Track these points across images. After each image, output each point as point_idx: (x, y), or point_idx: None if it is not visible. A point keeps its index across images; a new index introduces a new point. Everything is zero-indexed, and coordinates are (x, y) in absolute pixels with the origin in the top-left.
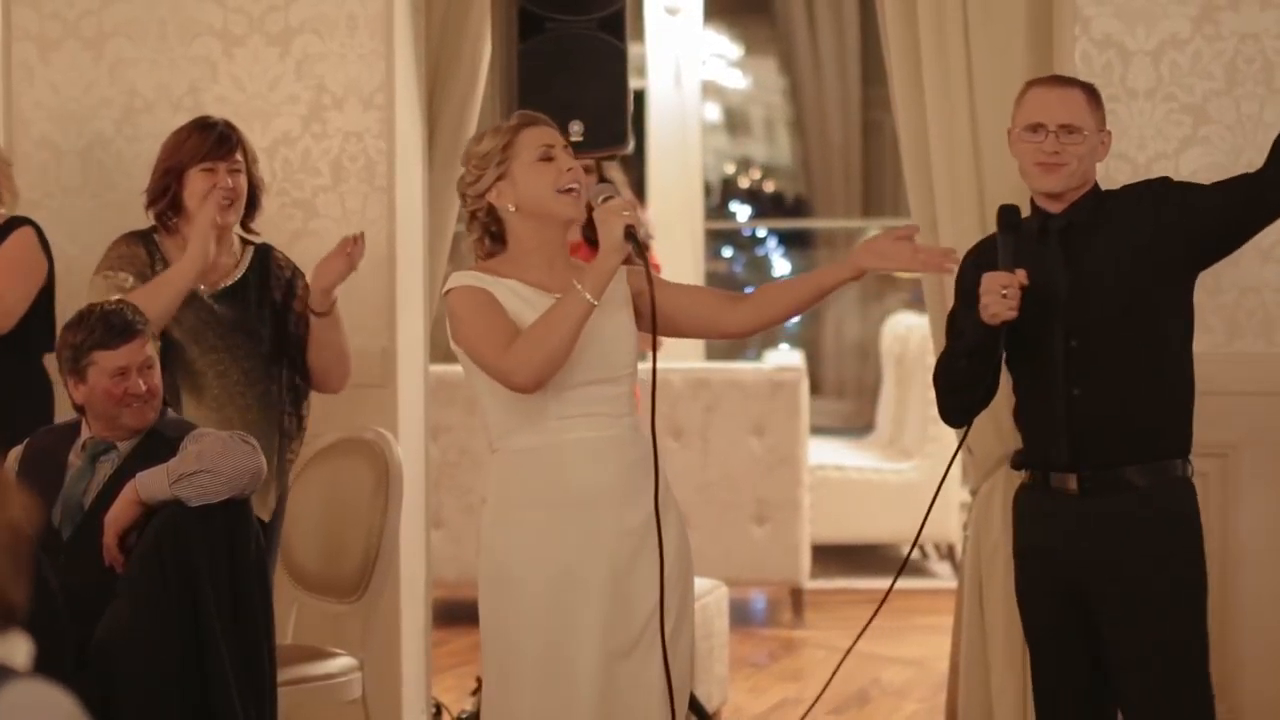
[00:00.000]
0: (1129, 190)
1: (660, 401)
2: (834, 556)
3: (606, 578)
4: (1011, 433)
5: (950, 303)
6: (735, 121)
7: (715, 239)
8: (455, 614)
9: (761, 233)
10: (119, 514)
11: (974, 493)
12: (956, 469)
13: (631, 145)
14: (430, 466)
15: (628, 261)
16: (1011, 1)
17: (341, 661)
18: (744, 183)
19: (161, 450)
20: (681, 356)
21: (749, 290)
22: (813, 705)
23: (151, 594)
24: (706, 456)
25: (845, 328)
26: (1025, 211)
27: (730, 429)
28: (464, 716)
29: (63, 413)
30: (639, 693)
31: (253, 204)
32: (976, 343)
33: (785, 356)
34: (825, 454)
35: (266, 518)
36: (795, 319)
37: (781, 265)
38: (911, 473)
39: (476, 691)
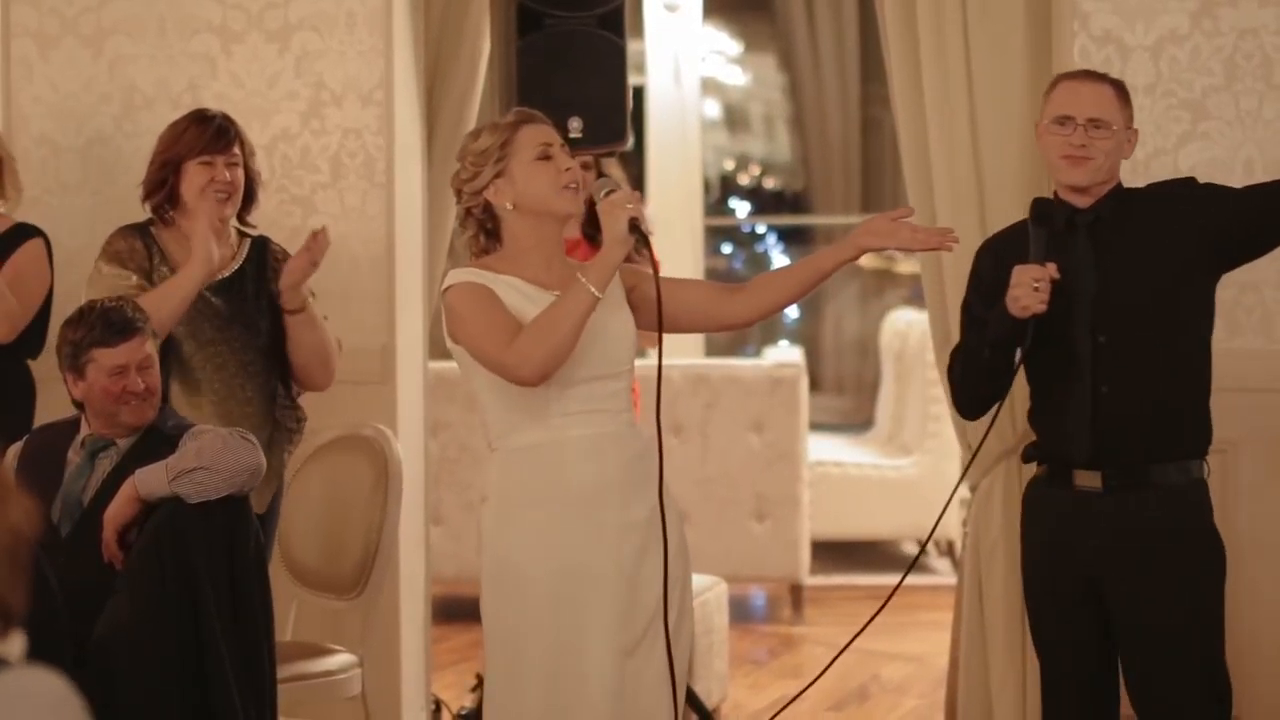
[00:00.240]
0: (1155, 188)
1: (654, 397)
2: (833, 553)
3: (614, 574)
4: (1010, 430)
5: (950, 299)
6: (735, 118)
7: (715, 235)
8: (455, 610)
9: (761, 229)
10: (118, 511)
11: (973, 489)
12: (956, 466)
13: (631, 142)
14: (430, 463)
15: (627, 260)
16: None
17: (341, 658)
18: (743, 179)
19: (161, 447)
20: (681, 353)
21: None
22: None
23: (151, 591)
24: (706, 453)
25: (845, 324)
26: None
27: (730, 425)
28: (463, 713)
29: (43, 416)
30: (643, 688)
31: (250, 197)
32: (1002, 334)
33: (785, 353)
34: (825, 450)
35: (261, 510)
36: (794, 315)
37: (781, 262)
38: (911, 469)
39: (476, 688)
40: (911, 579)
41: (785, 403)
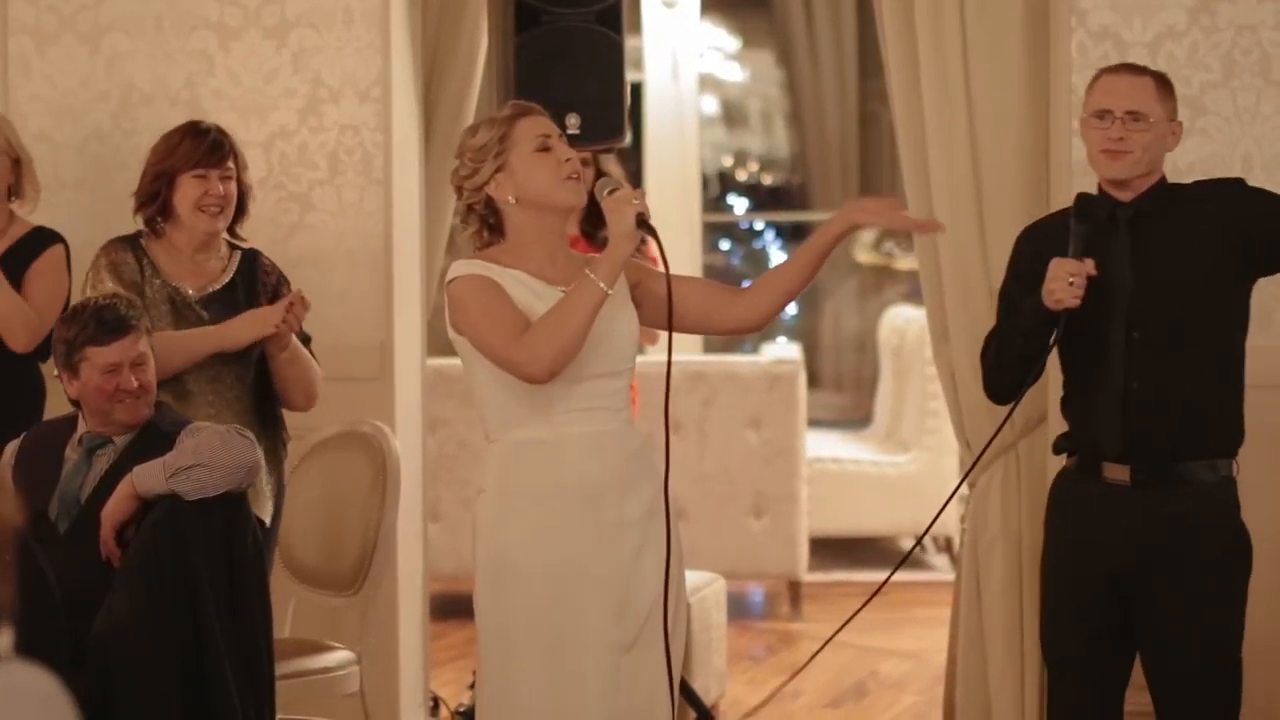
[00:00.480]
0: (1201, 186)
1: (656, 394)
2: (832, 549)
3: (611, 571)
4: (1008, 427)
5: (948, 295)
6: (733, 114)
7: (713, 232)
8: (453, 607)
9: (759, 225)
10: (116, 508)
11: (972, 486)
12: (954, 462)
13: (629, 138)
14: (428, 460)
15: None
16: None
17: (339, 655)
18: (741, 175)
19: (158, 444)
20: (679, 350)
21: (746, 285)
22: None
23: (149, 588)
24: (704, 449)
25: (843, 320)
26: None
27: (728, 422)
28: (462, 710)
29: (54, 415)
30: (641, 685)
31: (241, 210)
32: (1034, 325)
33: (783, 349)
34: (823, 447)
35: (266, 519)
36: (793, 311)
37: (779, 258)
38: (909, 465)
39: (474, 685)
40: (910, 575)
41: (783, 399)
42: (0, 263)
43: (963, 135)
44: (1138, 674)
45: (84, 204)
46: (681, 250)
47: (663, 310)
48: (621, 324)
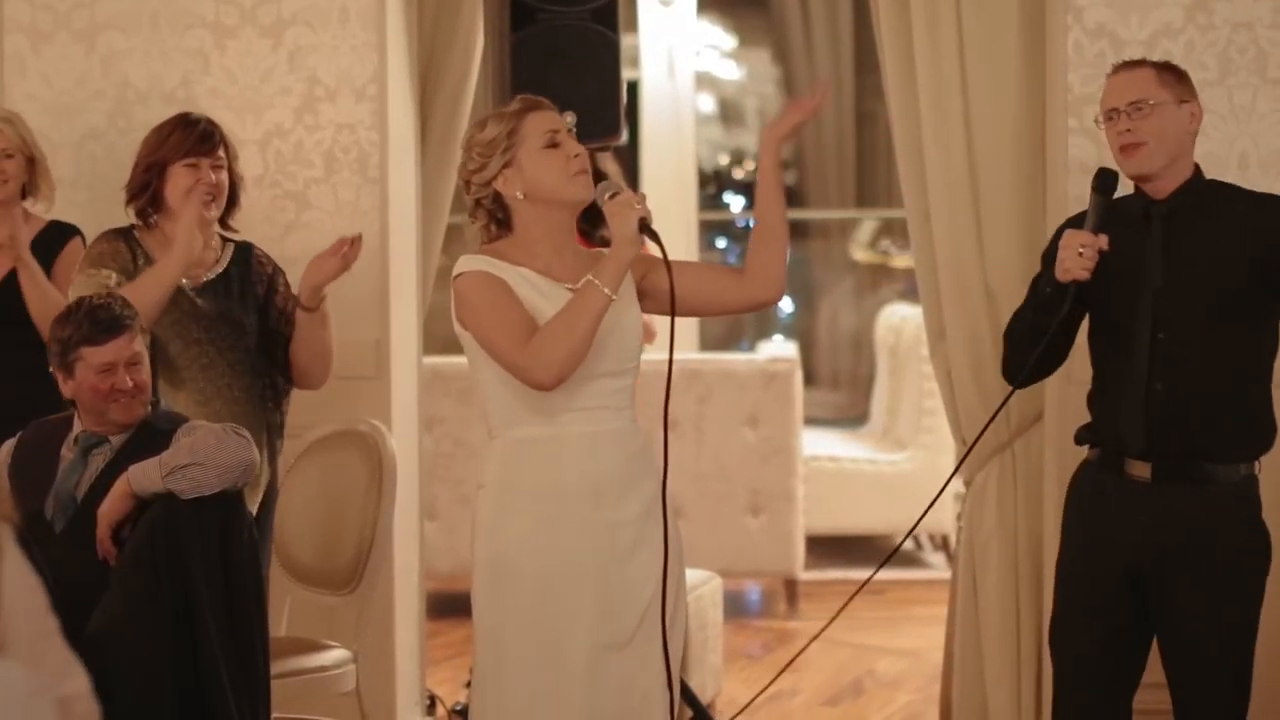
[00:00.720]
0: (1244, 195)
1: (653, 392)
2: (828, 547)
3: (603, 568)
4: (1004, 425)
5: (944, 293)
6: (729, 112)
7: (709, 230)
8: (449, 606)
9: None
10: (112, 507)
11: (968, 484)
12: (950, 461)
13: (625, 136)
14: (424, 458)
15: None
16: None
17: (335, 654)
18: (738, 174)
19: (154, 443)
20: (675, 347)
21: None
22: (781, 671)
23: (144, 586)
24: (700, 448)
25: (839, 319)
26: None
27: (724, 420)
28: (458, 708)
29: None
30: (637, 684)
31: (232, 200)
32: (1045, 298)
33: (779, 347)
34: (819, 445)
35: (254, 510)
36: (789, 309)
37: None
38: (905, 463)
39: (470, 683)
40: (906, 574)
41: (780, 397)
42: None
43: (959, 133)
44: (1149, 674)
45: (80, 202)
46: (678, 248)
47: (683, 293)
48: (626, 323)
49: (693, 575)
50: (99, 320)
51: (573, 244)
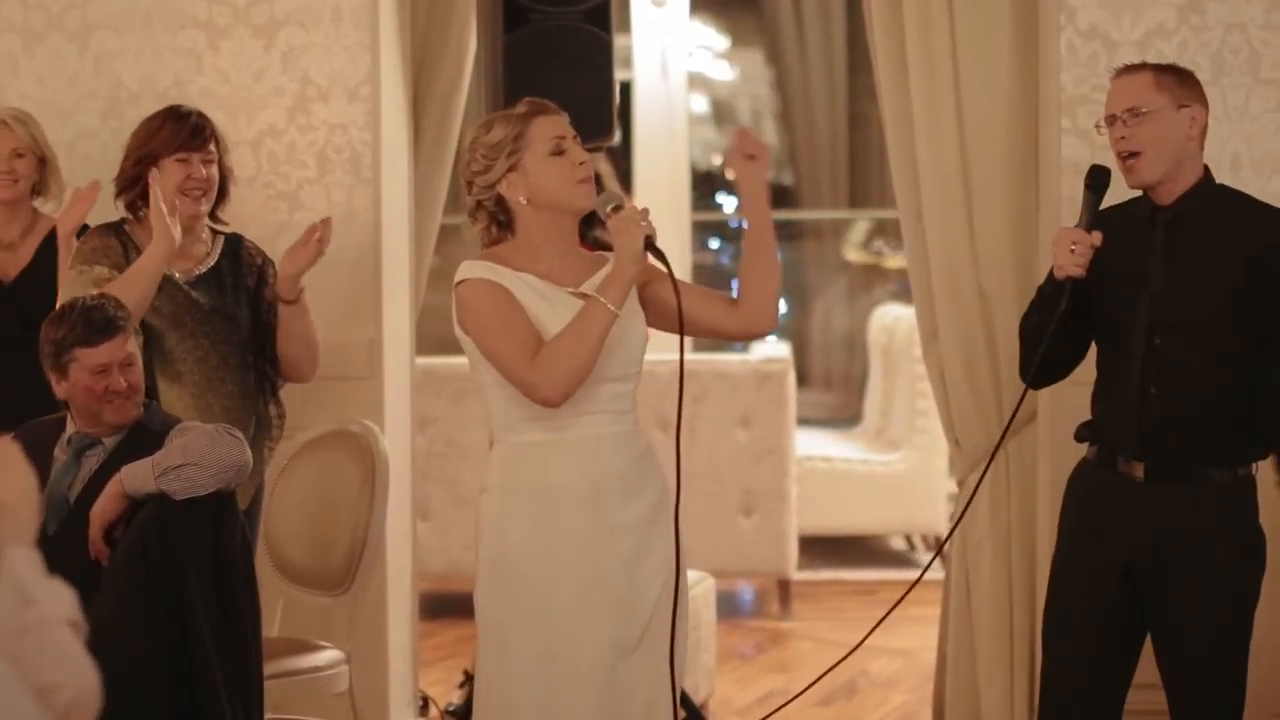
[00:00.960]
0: (1250, 204)
1: (647, 393)
2: (821, 548)
3: (609, 573)
4: (997, 425)
5: (936, 294)
6: (722, 113)
7: (702, 230)
8: (442, 606)
9: (748, 224)
10: (104, 507)
11: (960, 484)
12: (943, 461)
13: (618, 137)
14: (416, 458)
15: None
16: None
17: (328, 654)
18: (731, 174)
19: (147, 444)
20: (668, 348)
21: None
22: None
23: (137, 587)
24: (693, 448)
25: (832, 319)
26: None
27: (717, 420)
28: (451, 709)
29: None
30: (641, 691)
31: (222, 193)
32: (1044, 296)
33: (772, 348)
34: (812, 445)
35: (244, 506)
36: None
37: None
38: (898, 464)
39: (464, 684)
40: (900, 574)
41: (773, 398)
42: (34, 259)
43: (952, 134)
44: (1141, 673)
45: None
46: (671, 249)
47: (669, 314)
48: (632, 329)
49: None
50: (93, 321)
51: (575, 248)
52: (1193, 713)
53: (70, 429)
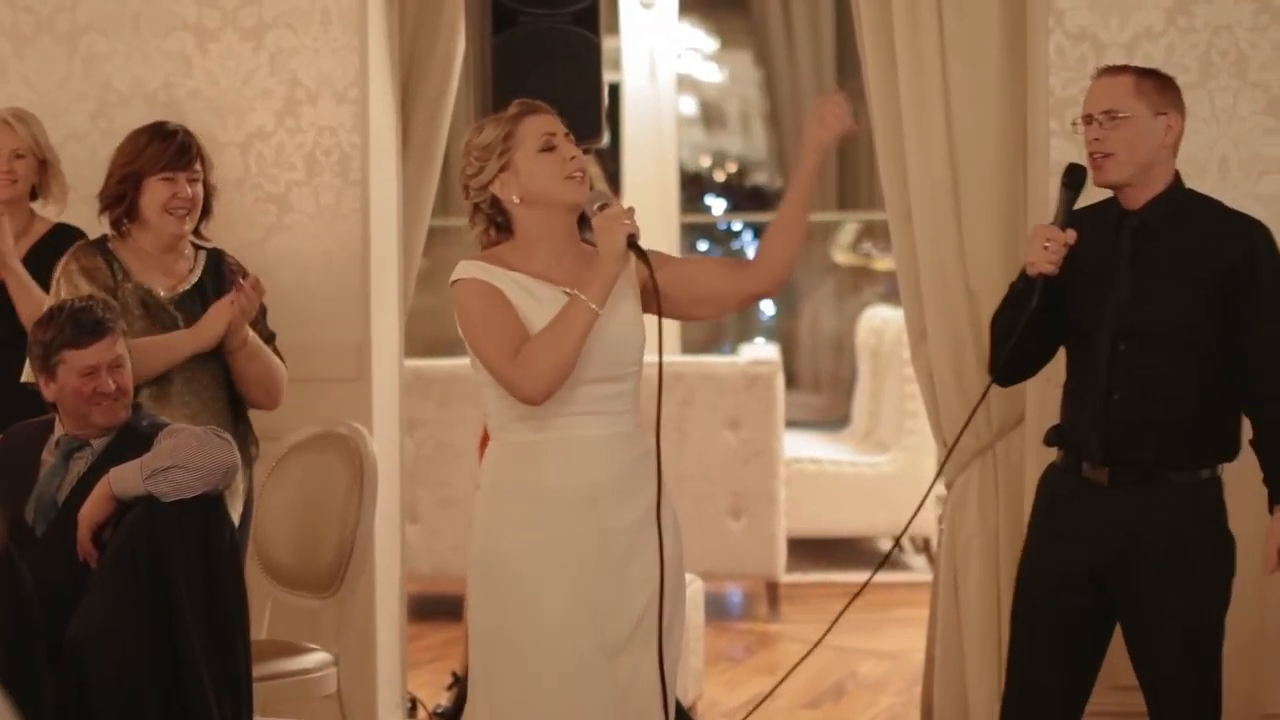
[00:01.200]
0: (1217, 210)
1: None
2: (810, 550)
3: (594, 573)
4: (986, 427)
5: (925, 295)
6: (711, 115)
7: (691, 232)
8: (430, 608)
9: (737, 226)
10: (92, 509)
11: (949, 486)
12: (932, 463)
13: (607, 139)
14: (405, 461)
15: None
16: None
17: (317, 657)
18: (719, 176)
19: (136, 446)
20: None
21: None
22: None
23: (125, 589)
24: (682, 450)
25: (821, 321)
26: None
27: (706, 422)
28: (439, 710)
29: None
30: (634, 692)
31: (206, 210)
32: (1015, 292)
33: (760, 350)
34: (801, 447)
35: (235, 519)
36: (770, 312)
37: None
38: (887, 465)
39: (452, 686)
40: (888, 576)
41: (761, 400)
42: (27, 261)
43: (940, 136)
44: (1117, 675)
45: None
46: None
47: (675, 294)
48: (620, 328)
49: None
50: (81, 323)
51: (575, 246)
52: (1171, 717)
53: (58, 431)
